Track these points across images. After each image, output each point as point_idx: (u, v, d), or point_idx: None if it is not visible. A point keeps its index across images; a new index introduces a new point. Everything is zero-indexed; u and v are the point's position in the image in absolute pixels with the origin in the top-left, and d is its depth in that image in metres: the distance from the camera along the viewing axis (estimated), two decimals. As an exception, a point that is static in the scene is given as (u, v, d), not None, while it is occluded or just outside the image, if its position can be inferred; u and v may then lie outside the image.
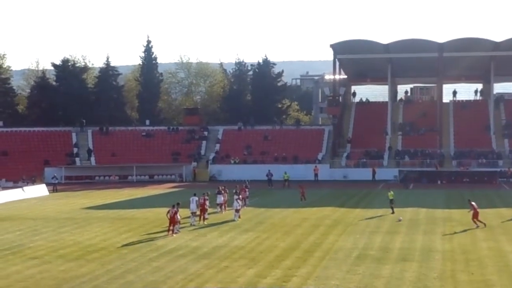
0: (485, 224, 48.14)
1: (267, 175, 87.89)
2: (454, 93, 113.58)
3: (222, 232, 47.10)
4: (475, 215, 48.44)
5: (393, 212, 55.66)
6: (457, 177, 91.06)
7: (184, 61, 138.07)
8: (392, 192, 57.63)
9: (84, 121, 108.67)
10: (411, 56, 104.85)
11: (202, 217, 51.75)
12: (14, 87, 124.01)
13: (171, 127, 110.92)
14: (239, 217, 53.29)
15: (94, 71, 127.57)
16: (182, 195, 66.64)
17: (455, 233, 45.83)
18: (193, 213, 50.95)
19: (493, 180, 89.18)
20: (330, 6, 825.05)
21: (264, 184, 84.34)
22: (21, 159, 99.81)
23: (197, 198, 51.44)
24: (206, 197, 53.21)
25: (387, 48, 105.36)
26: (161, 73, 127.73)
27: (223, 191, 59.04)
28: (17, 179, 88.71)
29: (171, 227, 45.53)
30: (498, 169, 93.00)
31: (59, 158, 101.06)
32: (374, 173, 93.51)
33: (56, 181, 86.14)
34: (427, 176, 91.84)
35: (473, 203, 49.31)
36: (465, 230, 46.54)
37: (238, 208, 53.52)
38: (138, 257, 37.91)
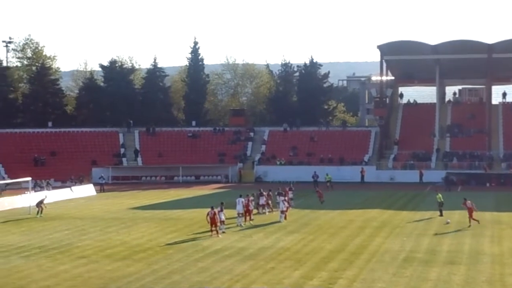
0: (478, 221, 49.85)
1: (313, 177, 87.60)
2: (504, 94, 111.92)
3: (268, 233, 47.04)
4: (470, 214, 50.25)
5: (441, 215, 55.03)
6: (507, 180, 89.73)
7: (230, 62, 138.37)
8: (440, 195, 57.07)
9: (131, 121, 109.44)
10: (460, 57, 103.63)
11: (247, 218, 51.86)
12: (63, 88, 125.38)
13: (217, 128, 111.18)
14: (285, 218, 53.21)
15: (141, 72, 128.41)
16: (227, 195, 66.77)
17: (504, 236, 45.17)
18: (240, 214, 51.05)
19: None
20: (377, 6, 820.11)
21: (309, 185, 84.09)
22: (69, 159, 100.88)
23: (243, 199, 51.55)
24: (251, 198, 53.40)
25: (435, 49, 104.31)
26: (208, 74, 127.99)
27: (264, 193, 59.10)
28: (65, 179, 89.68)
29: (214, 228, 45.58)
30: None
31: (107, 158, 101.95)
32: (421, 175, 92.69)
33: (103, 181, 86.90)
34: (475, 179, 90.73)
35: (468, 201, 51.09)
36: (514, 234, 45.86)
37: (284, 209, 53.46)
38: (184, 258, 38.02)
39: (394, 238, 44.63)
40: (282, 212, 53.29)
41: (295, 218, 54.26)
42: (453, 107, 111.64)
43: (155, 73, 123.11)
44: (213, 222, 45.45)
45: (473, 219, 49.84)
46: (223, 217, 46.42)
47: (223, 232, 46.17)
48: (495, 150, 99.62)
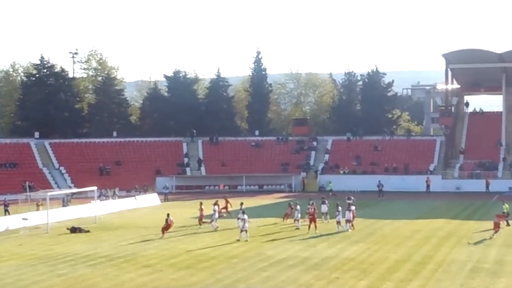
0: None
1: (378, 186, 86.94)
2: None
3: (332, 242, 46.73)
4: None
5: (508, 225, 54.00)
6: None
7: (294, 72, 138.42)
8: (507, 205, 56.09)
9: (194, 131, 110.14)
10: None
11: (311, 226, 51.91)
12: (128, 98, 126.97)
13: (280, 138, 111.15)
14: (353, 227, 52.89)
15: (204, 82, 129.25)
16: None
17: None
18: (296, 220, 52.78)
19: None
20: (442, 15, 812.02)
21: (373, 195, 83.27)
22: (133, 168, 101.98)
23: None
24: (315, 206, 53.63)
25: (501, 57, 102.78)
26: (270, 84, 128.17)
27: (326, 201, 59.09)
28: (130, 188, 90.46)
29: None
30: None
31: (170, 167, 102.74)
32: (488, 184, 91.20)
33: (167, 191, 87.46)
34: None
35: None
36: None
37: (350, 219, 53.10)
38: (248, 267, 37.97)
39: (461, 248, 43.90)
40: (348, 221, 52.92)
41: (359, 227, 53.75)
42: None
43: (218, 83, 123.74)
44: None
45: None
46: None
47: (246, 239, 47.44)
48: None
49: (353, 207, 54.54)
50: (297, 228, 53.76)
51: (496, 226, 49.49)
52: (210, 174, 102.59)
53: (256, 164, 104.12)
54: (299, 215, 54.80)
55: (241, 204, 56.84)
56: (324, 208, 58.21)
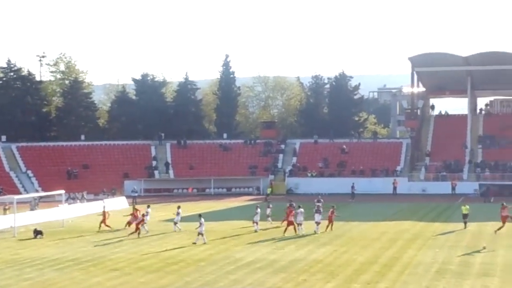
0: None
1: (352, 188, 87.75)
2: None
3: (300, 245, 47.05)
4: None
5: (465, 227, 54.60)
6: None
7: (262, 75, 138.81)
8: (467, 207, 56.56)
9: (162, 134, 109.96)
10: (491, 69, 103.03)
11: (288, 228, 52.49)
12: (96, 102, 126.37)
13: (248, 140, 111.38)
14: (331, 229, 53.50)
15: (172, 85, 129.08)
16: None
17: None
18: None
19: None
20: (409, 19, 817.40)
21: (342, 197, 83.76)
22: (101, 172, 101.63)
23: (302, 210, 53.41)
24: (292, 208, 53.97)
25: (467, 60, 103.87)
26: (239, 87, 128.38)
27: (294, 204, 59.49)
28: (97, 192, 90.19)
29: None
30: None
31: (139, 171, 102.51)
32: (454, 186, 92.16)
33: (136, 194, 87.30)
34: (508, 190, 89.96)
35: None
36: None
37: (319, 221, 53.51)
38: (216, 270, 38.16)
39: (427, 250, 44.44)
40: (317, 223, 53.32)
41: (322, 230, 54.03)
42: (484, 118, 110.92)
43: (186, 86, 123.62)
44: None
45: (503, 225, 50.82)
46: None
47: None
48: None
49: (329, 210, 55.07)
50: (255, 231, 53.94)
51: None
52: (179, 177, 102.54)
53: (224, 167, 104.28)
54: (259, 217, 55.09)
55: (178, 207, 57.26)
56: (268, 211, 58.81)
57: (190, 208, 77.00)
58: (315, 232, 52.57)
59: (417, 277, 35.57)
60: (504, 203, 53.90)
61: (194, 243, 47.75)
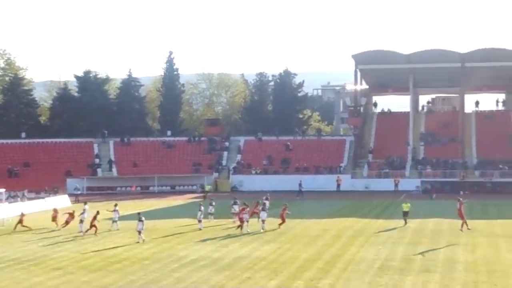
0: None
1: (299, 185, 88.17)
2: (477, 103, 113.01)
3: (244, 243, 47.04)
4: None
5: (405, 224, 55.08)
6: (480, 188, 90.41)
7: (206, 72, 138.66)
8: (408, 204, 56.77)
9: (105, 132, 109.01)
10: (433, 67, 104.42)
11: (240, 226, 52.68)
12: (37, 99, 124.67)
13: (192, 138, 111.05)
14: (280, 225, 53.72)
15: (116, 82, 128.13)
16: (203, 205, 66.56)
17: (478, 244, 45.47)
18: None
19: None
20: (353, 17, 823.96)
21: (286, 194, 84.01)
22: (43, 170, 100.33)
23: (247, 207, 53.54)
24: (244, 206, 54.18)
25: (409, 58, 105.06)
26: (183, 84, 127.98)
27: (239, 202, 59.61)
28: (39, 190, 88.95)
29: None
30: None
31: (81, 169, 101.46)
32: (396, 183, 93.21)
33: (78, 192, 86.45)
34: (450, 187, 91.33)
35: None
36: (488, 241, 46.12)
37: (265, 218, 53.58)
38: (159, 268, 37.95)
39: (369, 246, 44.80)
40: (263, 221, 53.35)
41: (271, 227, 54.25)
42: (426, 116, 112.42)
43: (130, 83, 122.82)
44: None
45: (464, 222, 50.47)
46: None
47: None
48: (468, 158, 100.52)
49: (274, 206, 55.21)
50: (200, 229, 53.84)
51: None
52: (122, 175, 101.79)
53: (168, 164, 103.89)
54: (202, 215, 55.01)
55: (115, 205, 57.09)
56: (236, 208, 58.62)
57: (134, 206, 76.59)
58: (262, 230, 52.58)
59: (360, 273, 35.84)
60: (461, 199, 54.04)
61: (138, 242, 47.39)
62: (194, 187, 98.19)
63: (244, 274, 36.01)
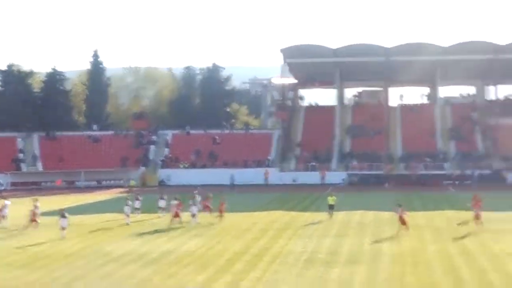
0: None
1: (230, 179, 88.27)
2: (401, 96, 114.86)
3: (171, 237, 46.82)
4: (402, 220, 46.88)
5: (331, 217, 55.29)
6: (405, 180, 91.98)
7: (133, 66, 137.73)
8: (333, 197, 56.86)
9: (30, 126, 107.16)
10: (359, 61, 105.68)
11: (176, 219, 52.69)
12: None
13: (119, 132, 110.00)
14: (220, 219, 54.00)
15: (40, 76, 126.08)
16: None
17: (403, 235, 46.10)
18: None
19: (439, 182, 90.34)
20: (280, 12, 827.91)
21: (215, 188, 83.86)
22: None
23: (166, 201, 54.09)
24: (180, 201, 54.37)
25: (336, 52, 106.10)
26: (109, 78, 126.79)
27: (165, 197, 59.51)
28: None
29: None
30: (444, 172, 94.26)
31: (5, 164, 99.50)
32: (323, 176, 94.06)
33: (2, 188, 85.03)
34: (375, 179, 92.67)
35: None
36: (413, 233, 46.80)
37: (195, 213, 53.47)
38: (85, 264, 37.47)
39: (297, 239, 45.05)
40: (193, 215, 53.17)
41: (199, 221, 54.08)
42: (353, 109, 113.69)
43: (55, 77, 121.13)
44: None
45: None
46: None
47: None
48: (394, 150, 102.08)
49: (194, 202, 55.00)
50: (127, 224, 53.46)
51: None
52: (47, 170, 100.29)
53: (95, 159, 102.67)
54: (130, 209, 54.66)
55: (36, 200, 56.61)
56: (162, 203, 58.47)
57: (59, 201, 75.51)
58: (190, 224, 52.38)
59: (287, 266, 36.01)
60: (401, 207, 51.73)
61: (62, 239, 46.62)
62: (121, 182, 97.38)
63: (171, 268, 35.83)
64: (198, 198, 59.32)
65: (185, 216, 53.49)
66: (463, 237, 45.05)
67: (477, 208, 49.55)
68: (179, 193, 63.39)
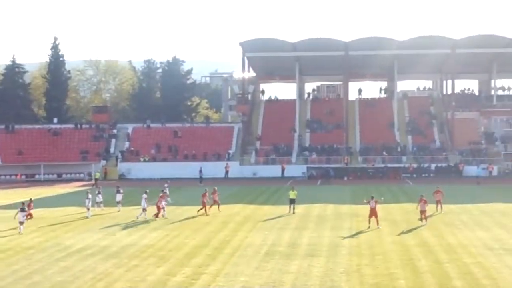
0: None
1: (200, 171, 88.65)
2: (360, 90, 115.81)
3: (132, 231, 46.96)
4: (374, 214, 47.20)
5: (293, 213, 55.15)
6: (363, 173, 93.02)
7: (93, 58, 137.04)
8: (295, 192, 56.47)
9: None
10: (318, 55, 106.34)
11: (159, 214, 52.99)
12: None
13: (80, 125, 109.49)
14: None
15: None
16: (91, 193, 65.96)
17: (361, 228, 46.78)
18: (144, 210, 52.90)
19: (397, 175, 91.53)
20: (240, 5, 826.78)
21: (178, 181, 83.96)
22: None
23: (146, 196, 53.39)
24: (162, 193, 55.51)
25: (295, 46, 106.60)
26: (69, 71, 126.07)
27: (121, 190, 59.63)
28: None
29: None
30: (402, 165, 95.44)
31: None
32: (283, 170, 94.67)
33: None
34: (334, 172, 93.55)
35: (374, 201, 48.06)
36: (370, 225, 47.46)
37: (145, 207, 53.55)
38: (45, 257, 37.52)
39: (257, 232, 45.47)
40: (144, 209, 53.26)
41: (167, 216, 54.11)
42: (312, 103, 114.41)
43: (13, 70, 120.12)
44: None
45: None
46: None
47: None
48: (352, 144, 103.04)
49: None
50: (87, 217, 53.47)
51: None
52: (6, 163, 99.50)
53: (55, 152, 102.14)
54: (90, 203, 54.63)
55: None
56: (119, 197, 58.57)
57: (19, 195, 75.15)
58: (163, 217, 52.51)
59: (247, 258, 36.42)
60: (377, 199, 49.76)
61: (20, 233, 46.40)
62: (82, 175, 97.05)
63: (131, 262, 36.05)
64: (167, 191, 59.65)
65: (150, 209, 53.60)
66: (420, 229, 45.89)
67: (438, 201, 51.32)
68: (144, 186, 63.40)
